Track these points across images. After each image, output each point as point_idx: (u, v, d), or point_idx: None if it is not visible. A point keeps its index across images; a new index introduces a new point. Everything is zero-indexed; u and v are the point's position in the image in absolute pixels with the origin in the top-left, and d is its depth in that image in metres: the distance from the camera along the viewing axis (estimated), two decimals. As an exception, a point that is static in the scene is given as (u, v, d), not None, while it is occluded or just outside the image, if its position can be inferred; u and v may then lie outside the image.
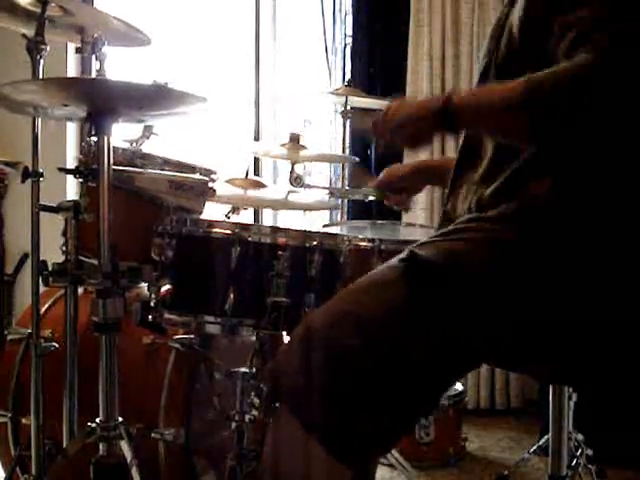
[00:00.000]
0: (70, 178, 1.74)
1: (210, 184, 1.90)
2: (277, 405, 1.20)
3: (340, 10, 3.75)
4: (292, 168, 2.07)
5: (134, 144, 1.93)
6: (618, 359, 1.20)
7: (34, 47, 1.74)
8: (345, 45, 3.73)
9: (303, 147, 2.14)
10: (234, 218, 2.03)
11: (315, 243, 1.62)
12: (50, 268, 1.67)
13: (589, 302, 1.15)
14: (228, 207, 2.03)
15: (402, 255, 1.23)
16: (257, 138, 2.87)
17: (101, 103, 1.57)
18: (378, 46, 3.65)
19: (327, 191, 2.46)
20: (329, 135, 3.70)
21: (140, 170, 1.79)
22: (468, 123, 1.23)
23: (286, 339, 1.80)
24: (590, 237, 1.16)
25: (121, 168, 1.72)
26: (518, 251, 1.17)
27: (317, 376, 1.14)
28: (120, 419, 1.60)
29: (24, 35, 1.74)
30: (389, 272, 1.23)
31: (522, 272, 1.16)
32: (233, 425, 1.79)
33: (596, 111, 1.09)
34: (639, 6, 1.10)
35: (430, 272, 1.17)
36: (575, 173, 1.18)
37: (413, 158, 2.85)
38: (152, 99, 1.62)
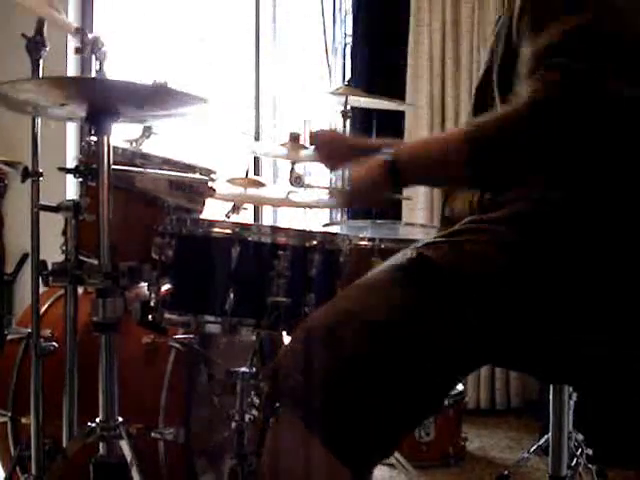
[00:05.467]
0: (70, 178, 1.73)
1: (210, 184, 1.90)
2: (278, 405, 1.20)
3: (340, 10, 3.75)
4: (292, 168, 2.07)
5: (134, 144, 1.93)
6: (618, 359, 1.20)
7: (34, 47, 1.74)
8: (345, 45, 3.74)
9: (303, 147, 2.14)
10: (234, 217, 2.03)
11: (315, 243, 1.62)
12: (50, 268, 1.67)
13: (591, 303, 1.15)
14: (228, 206, 2.04)
15: (408, 255, 1.22)
16: (257, 138, 2.87)
17: (101, 103, 1.57)
18: (378, 46, 3.64)
19: (327, 191, 2.46)
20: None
21: (140, 170, 1.79)
22: (413, 179, 1.26)
23: (286, 339, 1.80)
24: (592, 238, 1.16)
25: (121, 168, 1.72)
26: (521, 253, 1.17)
27: (321, 377, 1.14)
28: (120, 419, 1.60)
29: (24, 35, 1.74)
30: (394, 273, 1.23)
31: (526, 274, 1.16)
32: (233, 425, 1.79)
33: (529, 149, 1.11)
34: (587, 44, 1.10)
35: (437, 275, 1.17)
36: (579, 177, 1.18)
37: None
38: (152, 99, 1.62)
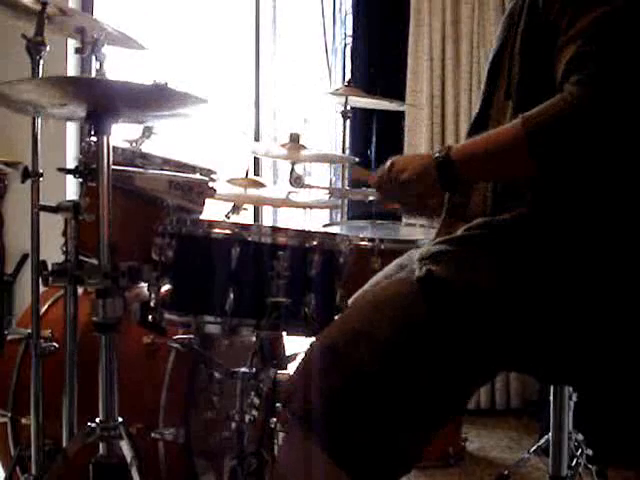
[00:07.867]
0: (70, 178, 1.73)
1: (210, 184, 1.90)
2: (291, 425, 1.20)
3: (340, 10, 3.75)
4: (292, 168, 2.07)
5: (134, 144, 1.93)
6: (618, 359, 1.20)
7: (34, 47, 1.74)
8: (345, 45, 3.74)
9: (303, 147, 2.14)
10: (234, 218, 2.03)
11: (315, 243, 1.62)
12: (50, 268, 1.67)
13: (594, 307, 1.16)
14: (228, 207, 2.04)
15: (417, 272, 1.21)
16: (257, 138, 2.88)
17: (101, 103, 1.57)
18: (378, 46, 3.64)
19: (327, 191, 2.46)
20: (329, 135, 3.70)
21: (140, 170, 1.79)
22: (470, 176, 1.23)
23: (286, 339, 1.81)
24: (594, 241, 1.16)
25: (121, 168, 1.72)
26: (526, 258, 1.17)
27: (334, 398, 1.14)
28: (120, 419, 1.60)
29: (24, 35, 1.74)
30: (402, 289, 1.22)
31: (534, 282, 1.16)
32: (233, 425, 1.79)
33: (593, 139, 1.11)
34: (630, 36, 1.12)
35: (447, 292, 1.17)
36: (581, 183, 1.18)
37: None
38: (152, 99, 1.62)
